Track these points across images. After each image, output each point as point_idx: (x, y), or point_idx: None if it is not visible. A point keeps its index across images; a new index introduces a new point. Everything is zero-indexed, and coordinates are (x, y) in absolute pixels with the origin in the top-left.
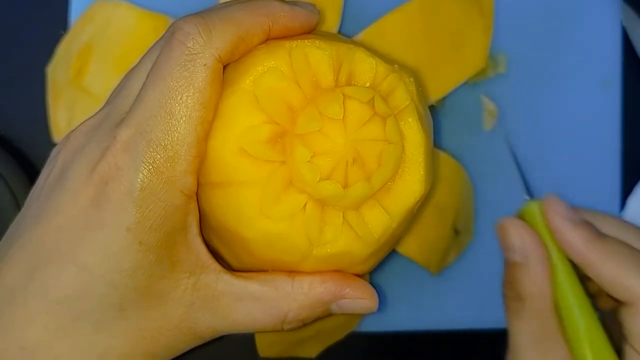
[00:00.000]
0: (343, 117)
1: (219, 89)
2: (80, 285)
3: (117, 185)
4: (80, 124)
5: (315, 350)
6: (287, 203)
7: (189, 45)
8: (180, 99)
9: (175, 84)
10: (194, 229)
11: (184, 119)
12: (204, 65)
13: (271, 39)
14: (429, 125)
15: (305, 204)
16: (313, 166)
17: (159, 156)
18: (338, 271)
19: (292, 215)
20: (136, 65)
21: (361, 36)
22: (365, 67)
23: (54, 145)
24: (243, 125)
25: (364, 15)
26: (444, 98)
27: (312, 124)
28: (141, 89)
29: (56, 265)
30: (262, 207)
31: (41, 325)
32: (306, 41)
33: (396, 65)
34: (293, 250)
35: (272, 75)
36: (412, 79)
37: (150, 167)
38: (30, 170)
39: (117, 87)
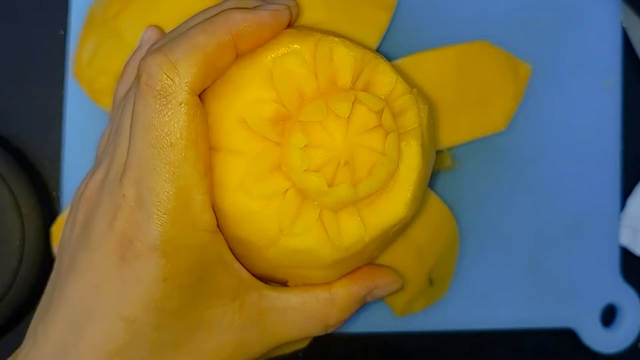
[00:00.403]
0: (348, 117)
1: (202, 119)
2: (131, 336)
3: (142, 243)
4: (89, 181)
5: (303, 342)
6: (269, 184)
7: (158, 89)
8: (171, 145)
9: (159, 132)
10: (228, 256)
11: (181, 163)
12: (180, 104)
13: (244, 52)
14: (430, 158)
15: (287, 190)
16: (304, 154)
17: (171, 206)
18: (361, 268)
19: (270, 196)
20: (124, 108)
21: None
22: (385, 79)
23: (54, 145)
24: (251, 96)
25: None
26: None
27: (316, 114)
28: (129, 142)
29: (102, 322)
30: (243, 180)
31: None
32: (335, 38)
33: (415, 89)
34: (262, 233)
35: (293, 58)
36: (426, 107)
37: (167, 218)
38: (30, 170)
39: (104, 135)
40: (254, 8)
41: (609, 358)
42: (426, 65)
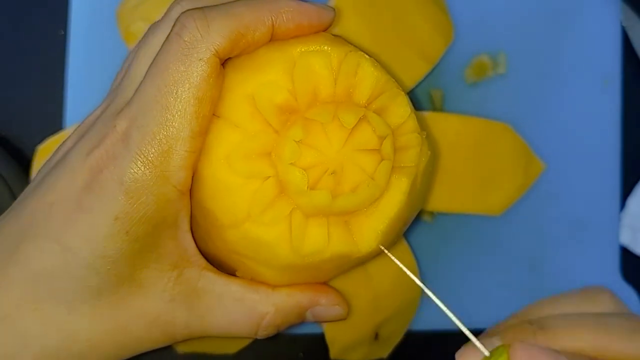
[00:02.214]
0: (351, 131)
1: (217, 83)
2: (60, 264)
3: (111, 174)
4: (88, 115)
5: (235, 346)
6: (253, 165)
7: (186, 39)
8: (175, 93)
9: (170, 78)
10: (185, 225)
11: (178, 113)
12: (200, 59)
13: (280, 37)
14: (416, 204)
15: (268, 178)
16: (296, 148)
17: (153, 150)
18: (311, 283)
19: (250, 177)
20: (138, 50)
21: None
22: (399, 111)
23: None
24: (267, 78)
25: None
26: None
27: (322, 116)
28: (142, 80)
29: (41, 240)
30: (230, 153)
31: (16, 296)
32: (367, 55)
33: (425, 133)
34: (230, 211)
35: (320, 58)
36: (429, 153)
37: (144, 159)
38: (30, 170)
39: (120, 71)
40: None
41: None
42: (446, 127)
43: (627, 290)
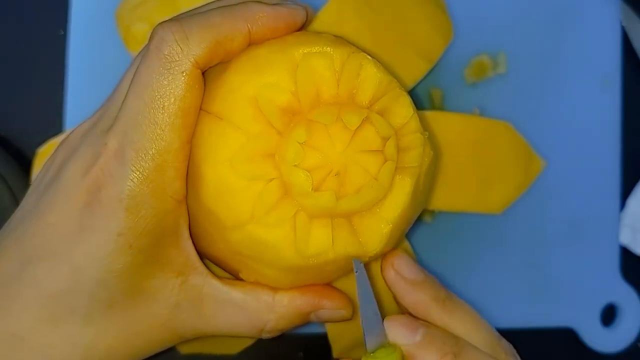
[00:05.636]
0: (354, 132)
1: (198, 93)
2: (72, 283)
3: (109, 192)
4: (78, 126)
5: (237, 347)
6: (256, 167)
7: (166, 53)
8: (162, 107)
9: (156, 93)
10: (185, 232)
11: (168, 127)
12: (182, 72)
13: (256, 41)
14: (419, 204)
15: (272, 180)
16: (300, 150)
17: (147, 165)
18: (315, 284)
19: (253, 179)
20: (129, 66)
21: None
22: (402, 112)
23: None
24: (270, 79)
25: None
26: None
27: (325, 117)
28: (125, 96)
29: (49, 262)
30: (234, 155)
31: (33, 316)
32: (369, 56)
33: (427, 133)
34: (233, 213)
35: (322, 59)
36: (432, 153)
37: (140, 175)
38: (30, 170)
39: (115, 87)
40: (274, 4)
41: (609, 357)
42: (447, 126)
43: (627, 290)
